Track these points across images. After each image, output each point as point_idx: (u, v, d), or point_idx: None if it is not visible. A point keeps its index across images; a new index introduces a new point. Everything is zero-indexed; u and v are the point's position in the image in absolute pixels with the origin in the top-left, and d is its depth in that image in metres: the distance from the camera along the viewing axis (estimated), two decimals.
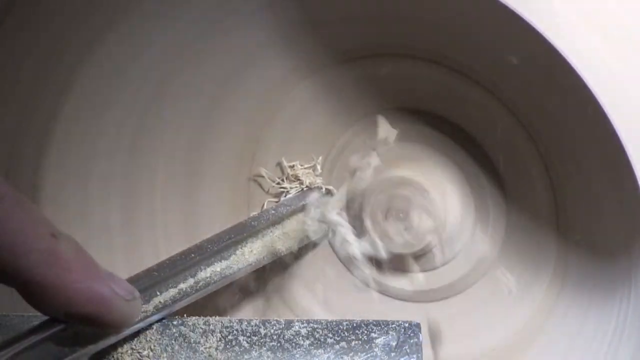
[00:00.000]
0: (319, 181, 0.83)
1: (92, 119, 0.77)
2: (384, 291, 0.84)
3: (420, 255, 0.81)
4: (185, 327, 0.66)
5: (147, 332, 0.65)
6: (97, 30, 0.73)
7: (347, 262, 0.85)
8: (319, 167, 0.84)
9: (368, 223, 0.80)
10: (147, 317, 0.64)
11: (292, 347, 0.65)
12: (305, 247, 0.83)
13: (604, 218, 0.70)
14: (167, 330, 0.66)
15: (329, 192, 0.84)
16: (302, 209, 0.81)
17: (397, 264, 0.82)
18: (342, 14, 0.76)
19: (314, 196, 0.83)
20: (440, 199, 0.79)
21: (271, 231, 0.77)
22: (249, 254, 0.74)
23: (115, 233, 0.81)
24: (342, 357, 0.65)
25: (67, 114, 0.76)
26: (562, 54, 0.60)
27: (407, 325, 0.66)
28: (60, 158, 0.76)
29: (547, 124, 0.73)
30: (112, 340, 0.61)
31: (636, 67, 0.59)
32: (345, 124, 0.83)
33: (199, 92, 0.80)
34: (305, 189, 0.83)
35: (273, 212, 0.78)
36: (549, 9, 0.59)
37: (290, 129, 0.84)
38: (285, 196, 0.84)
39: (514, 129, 0.76)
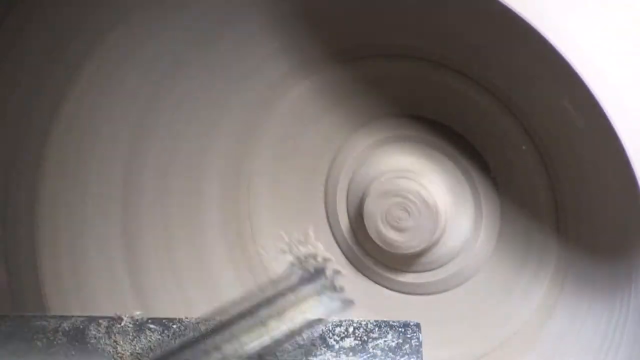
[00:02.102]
0: (319, 251, 0.79)
1: (92, 119, 0.78)
2: (389, 286, 0.84)
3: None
4: (185, 326, 0.66)
5: (147, 332, 0.65)
6: (98, 30, 0.74)
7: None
8: (311, 233, 0.80)
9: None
10: None
11: (292, 347, 0.65)
12: None
13: (604, 218, 0.71)
14: (167, 330, 0.66)
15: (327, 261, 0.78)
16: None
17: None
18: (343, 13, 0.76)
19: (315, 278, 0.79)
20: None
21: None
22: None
23: (115, 240, 0.82)
24: (342, 357, 0.64)
25: (67, 114, 0.76)
26: (563, 55, 0.60)
27: (407, 325, 0.65)
28: (60, 159, 0.77)
29: (547, 125, 0.73)
30: None
31: (636, 68, 0.59)
32: (348, 129, 0.83)
33: (199, 91, 0.80)
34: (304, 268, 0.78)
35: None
36: (551, 12, 0.60)
37: (287, 130, 0.84)
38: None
39: (513, 130, 0.76)
